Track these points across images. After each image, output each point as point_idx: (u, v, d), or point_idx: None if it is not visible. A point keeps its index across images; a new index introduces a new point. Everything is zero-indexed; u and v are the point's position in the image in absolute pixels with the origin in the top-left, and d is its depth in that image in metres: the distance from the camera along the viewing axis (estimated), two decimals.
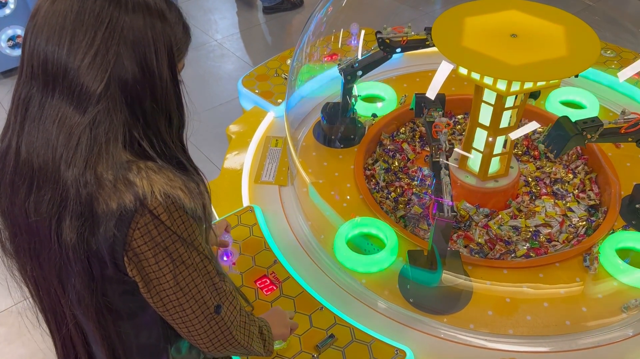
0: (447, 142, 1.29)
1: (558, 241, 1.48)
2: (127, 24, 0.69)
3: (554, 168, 1.67)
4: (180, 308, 0.78)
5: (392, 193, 1.62)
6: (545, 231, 1.50)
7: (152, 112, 0.73)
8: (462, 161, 1.56)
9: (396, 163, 1.71)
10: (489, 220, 1.53)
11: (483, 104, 1.42)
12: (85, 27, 0.68)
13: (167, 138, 0.76)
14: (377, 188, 1.63)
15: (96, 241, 0.71)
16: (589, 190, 1.61)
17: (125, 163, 0.71)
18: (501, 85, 1.31)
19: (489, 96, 1.39)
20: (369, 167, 1.69)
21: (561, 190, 1.62)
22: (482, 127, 1.45)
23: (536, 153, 1.74)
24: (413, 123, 1.86)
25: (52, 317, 0.85)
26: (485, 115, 1.43)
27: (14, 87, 0.74)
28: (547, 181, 1.65)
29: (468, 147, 1.51)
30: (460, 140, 1.79)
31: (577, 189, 1.62)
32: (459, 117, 1.89)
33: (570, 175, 1.66)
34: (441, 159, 1.27)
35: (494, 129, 1.43)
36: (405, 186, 1.64)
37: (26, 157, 0.72)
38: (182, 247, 0.74)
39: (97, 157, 0.69)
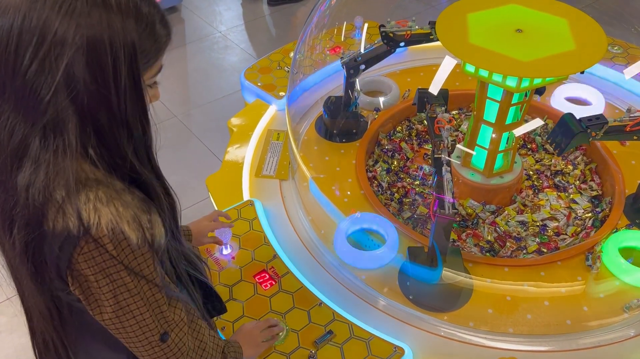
0: (449, 139, 1.28)
1: (566, 234, 1.48)
2: (80, 24, 0.63)
3: (553, 160, 1.67)
4: (124, 331, 0.77)
5: (396, 194, 1.61)
6: (553, 224, 1.50)
7: (108, 124, 0.68)
8: (466, 158, 1.55)
9: (395, 163, 1.69)
10: (495, 217, 1.52)
11: (488, 101, 1.40)
12: (32, 30, 0.62)
13: (128, 153, 0.71)
14: (380, 190, 1.62)
15: (43, 252, 0.70)
16: (590, 181, 1.61)
17: (76, 185, 0.67)
18: (511, 82, 1.29)
19: (495, 92, 1.37)
20: (370, 169, 1.67)
21: (562, 182, 1.62)
22: (487, 123, 1.43)
23: (534, 145, 1.73)
24: (409, 121, 1.84)
25: (20, 299, 0.86)
26: (490, 111, 1.42)
27: None
28: (548, 174, 1.65)
29: (472, 144, 1.50)
30: (457, 136, 1.77)
31: (579, 180, 1.62)
32: (454, 112, 1.87)
33: (570, 166, 1.66)
34: (443, 155, 1.25)
35: (499, 126, 1.41)
36: (408, 187, 1.62)
37: None
38: (128, 276, 0.72)
39: (48, 172, 0.66)
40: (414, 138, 1.79)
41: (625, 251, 1.37)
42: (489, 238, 1.47)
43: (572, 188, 1.60)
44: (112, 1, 0.65)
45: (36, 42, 0.63)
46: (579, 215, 1.52)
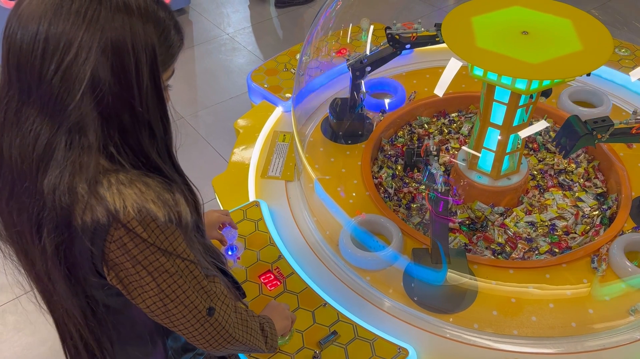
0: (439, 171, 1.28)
1: (576, 233, 1.48)
2: (105, 29, 0.65)
3: (555, 159, 1.68)
4: (170, 313, 0.77)
5: (403, 200, 1.61)
6: (562, 224, 1.50)
7: (131, 125, 0.70)
8: (472, 161, 1.55)
9: (400, 168, 1.69)
10: (504, 219, 1.52)
11: (495, 103, 1.40)
12: (59, 32, 0.64)
13: (150, 151, 0.73)
14: (387, 196, 1.61)
15: (74, 252, 0.71)
16: (594, 178, 1.62)
17: (97, 176, 0.68)
18: (520, 85, 1.29)
19: (502, 95, 1.37)
20: (376, 175, 1.66)
21: (567, 180, 1.63)
22: (495, 126, 1.43)
23: (535, 145, 1.74)
24: (410, 126, 1.84)
25: (46, 304, 0.85)
26: (498, 114, 1.41)
27: None
28: (552, 173, 1.66)
29: (478, 147, 1.49)
30: (457, 138, 1.77)
31: (582, 178, 1.63)
32: (453, 115, 1.87)
33: (573, 164, 1.67)
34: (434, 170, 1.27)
35: (507, 128, 1.41)
36: (414, 192, 1.62)
37: (6, 161, 0.71)
38: (163, 257, 0.72)
39: (72, 169, 0.67)
40: (416, 142, 1.79)
41: (631, 254, 1.37)
42: (499, 240, 1.47)
43: (576, 186, 1.61)
44: (133, 6, 0.67)
45: (62, 47, 0.64)
46: (586, 213, 1.53)
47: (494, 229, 1.49)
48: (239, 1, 3.93)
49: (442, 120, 1.85)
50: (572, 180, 1.62)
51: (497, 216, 1.53)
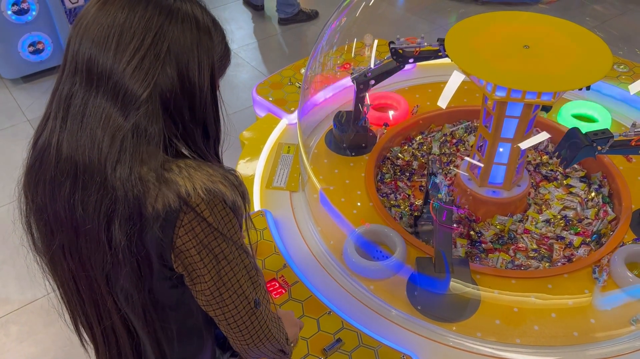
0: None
1: (588, 218, 1.57)
2: (175, 35, 0.71)
3: (529, 156, 1.76)
4: (223, 303, 0.79)
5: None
6: (572, 213, 1.58)
7: (189, 122, 0.76)
8: (483, 179, 1.55)
9: (402, 202, 1.67)
10: (524, 224, 1.56)
11: (506, 119, 1.41)
12: (133, 32, 0.70)
13: (203, 149, 0.78)
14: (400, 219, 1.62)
15: (144, 242, 0.72)
16: None
17: (165, 163, 0.72)
18: (531, 96, 1.30)
19: (515, 109, 1.38)
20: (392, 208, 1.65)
21: (549, 171, 1.73)
22: (506, 140, 1.45)
23: None
24: (388, 159, 1.81)
25: (94, 310, 0.85)
26: (509, 128, 1.43)
27: (55, 84, 0.75)
28: (531, 169, 1.73)
29: (489, 164, 1.51)
30: (459, 155, 1.79)
31: (560, 165, 1.70)
32: (419, 138, 1.88)
33: (545, 156, 1.77)
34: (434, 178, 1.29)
35: (518, 139, 1.43)
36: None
37: (69, 154, 0.73)
38: (224, 243, 0.75)
39: (141, 160, 0.71)
40: (402, 174, 1.76)
41: (631, 265, 1.38)
42: (534, 246, 1.50)
43: (558, 174, 1.70)
44: (202, 23, 0.75)
45: (137, 38, 0.69)
46: (584, 197, 1.62)
47: (522, 237, 1.53)
48: (243, 18, 3.99)
49: (414, 145, 1.85)
50: (552, 170, 1.72)
51: (518, 223, 1.57)
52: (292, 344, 1.18)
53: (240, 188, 0.77)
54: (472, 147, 1.79)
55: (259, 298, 0.82)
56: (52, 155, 0.73)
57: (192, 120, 0.76)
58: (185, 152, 0.76)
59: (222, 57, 0.80)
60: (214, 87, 0.78)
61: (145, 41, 0.70)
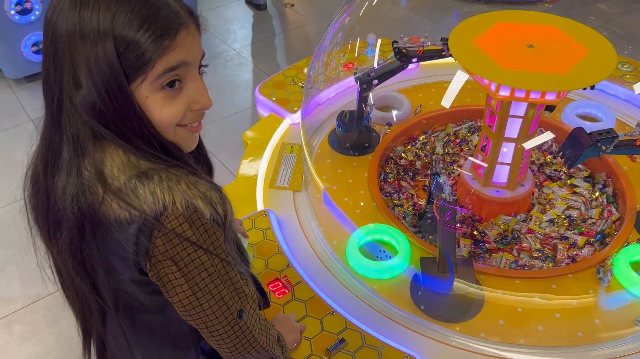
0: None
1: (592, 217, 1.56)
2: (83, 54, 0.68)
3: (533, 155, 1.74)
4: (203, 313, 0.78)
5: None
6: (575, 213, 1.57)
7: (131, 130, 0.72)
8: (487, 179, 1.55)
9: (405, 202, 1.67)
10: (528, 224, 1.56)
11: (510, 118, 1.40)
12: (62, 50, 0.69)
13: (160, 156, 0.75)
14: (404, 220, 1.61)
15: (118, 248, 0.72)
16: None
17: (146, 171, 0.71)
18: (535, 95, 1.28)
19: (519, 109, 1.38)
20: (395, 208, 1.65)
21: (553, 171, 1.71)
22: (510, 140, 1.44)
23: None
24: (392, 159, 1.81)
25: (77, 302, 0.87)
26: (513, 128, 1.42)
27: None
28: (535, 169, 1.72)
29: (493, 163, 1.50)
30: (462, 155, 1.79)
31: (564, 165, 1.67)
32: (422, 137, 1.87)
33: (548, 156, 1.75)
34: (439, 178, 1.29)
35: (522, 139, 1.43)
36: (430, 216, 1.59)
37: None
38: (204, 255, 0.74)
39: (111, 164, 0.71)
40: (405, 174, 1.76)
41: (636, 264, 1.38)
42: (537, 246, 1.50)
43: (562, 174, 1.69)
44: (86, 31, 0.69)
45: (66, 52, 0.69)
46: (588, 197, 1.61)
47: (526, 238, 1.52)
48: (245, 18, 3.99)
49: (418, 145, 1.85)
50: (556, 170, 1.71)
51: (522, 223, 1.56)
52: (294, 346, 1.19)
53: (222, 207, 0.74)
54: (475, 146, 1.78)
55: (245, 308, 0.82)
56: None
57: (130, 127, 0.72)
58: (155, 159, 0.73)
59: (135, 45, 0.68)
60: (123, 88, 0.69)
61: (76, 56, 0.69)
